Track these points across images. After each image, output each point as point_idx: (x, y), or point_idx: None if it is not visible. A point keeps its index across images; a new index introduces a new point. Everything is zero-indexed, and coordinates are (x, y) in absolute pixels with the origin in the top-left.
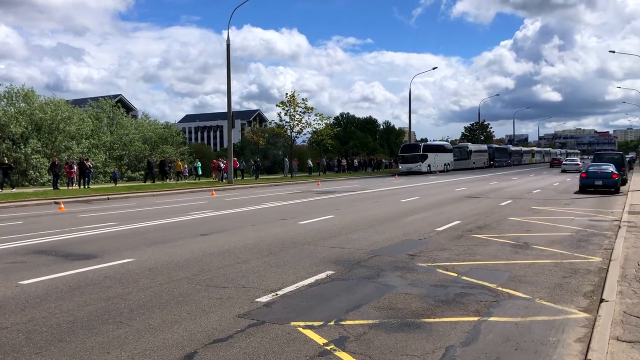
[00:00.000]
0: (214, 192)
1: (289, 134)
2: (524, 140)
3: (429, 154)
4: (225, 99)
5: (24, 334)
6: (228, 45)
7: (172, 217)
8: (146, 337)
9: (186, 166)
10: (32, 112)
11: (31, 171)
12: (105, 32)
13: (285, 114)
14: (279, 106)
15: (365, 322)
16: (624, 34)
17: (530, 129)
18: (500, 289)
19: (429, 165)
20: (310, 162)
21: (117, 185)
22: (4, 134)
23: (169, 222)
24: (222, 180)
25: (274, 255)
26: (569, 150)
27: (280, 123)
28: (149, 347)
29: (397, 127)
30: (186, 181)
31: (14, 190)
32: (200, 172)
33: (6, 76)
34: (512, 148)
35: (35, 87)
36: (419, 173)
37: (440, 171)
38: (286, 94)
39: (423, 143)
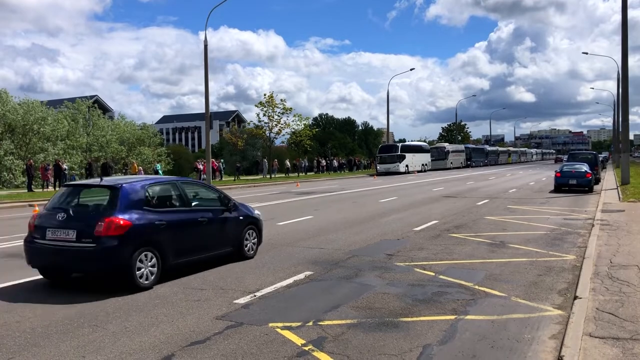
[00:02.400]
0: None
1: (268, 134)
2: (500, 140)
3: (407, 155)
4: (203, 100)
5: None
6: (205, 46)
7: None
8: (122, 340)
9: (141, 168)
10: (4, 114)
11: (4, 173)
12: (80, 32)
13: (264, 115)
14: (258, 107)
15: (343, 322)
16: (593, 36)
17: (506, 130)
18: (476, 287)
19: (406, 166)
20: (287, 162)
21: None
22: None
23: None
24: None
25: (257, 255)
26: (544, 151)
27: (259, 124)
28: (125, 350)
29: (375, 127)
30: None
31: None
32: (162, 175)
33: None
34: (489, 148)
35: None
36: (397, 173)
37: (418, 171)
38: (264, 94)
39: (401, 144)
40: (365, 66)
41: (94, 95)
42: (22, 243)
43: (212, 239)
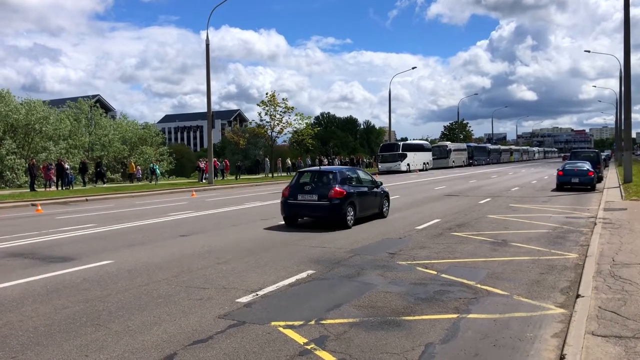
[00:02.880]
0: (194, 193)
1: (270, 133)
2: (502, 139)
3: (408, 153)
4: (205, 99)
5: (0, 338)
6: (207, 45)
7: (151, 218)
8: (125, 339)
9: (139, 167)
10: (6, 114)
11: (7, 173)
12: (82, 32)
13: (266, 114)
14: (260, 106)
15: (345, 321)
16: (594, 35)
17: (507, 128)
18: (479, 286)
19: (408, 165)
20: (289, 161)
21: (74, 188)
22: None
23: (149, 223)
24: (202, 180)
25: (254, 255)
26: (546, 149)
27: (261, 123)
28: (127, 349)
29: (377, 126)
30: (139, 183)
31: None
32: (159, 174)
33: None
34: (491, 147)
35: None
36: (398, 172)
37: (420, 170)
38: (266, 93)
39: (402, 142)
40: (367, 65)
41: (96, 95)
42: (280, 202)
43: (372, 203)
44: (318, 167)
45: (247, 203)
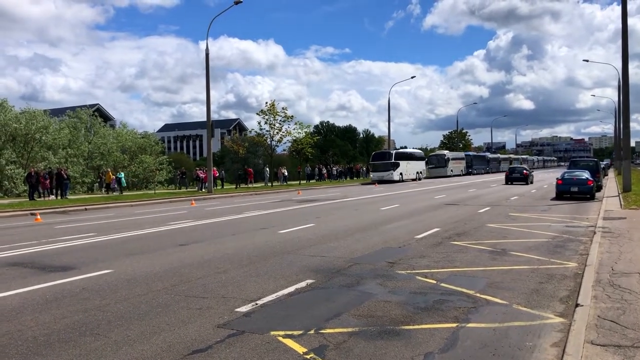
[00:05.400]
0: (193, 202)
1: (269, 142)
2: (501, 148)
3: (401, 162)
4: (204, 108)
5: None
6: (207, 55)
7: (150, 227)
8: (124, 349)
9: (114, 177)
10: (6, 123)
11: (6, 182)
12: (82, 42)
13: (265, 123)
14: (259, 115)
15: (345, 330)
16: (589, 44)
17: (506, 137)
18: (478, 295)
19: (401, 174)
20: (285, 171)
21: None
22: None
23: (147, 232)
24: (201, 189)
25: (254, 264)
26: (545, 158)
27: (261, 132)
28: (126, 359)
29: (375, 135)
30: (117, 194)
31: None
32: (124, 184)
33: None
34: (490, 156)
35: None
36: (391, 181)
37: (413, 179)
38: (266, 102)
39: (394, 151)
40: (366, 74)
41: (96, 104)
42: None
43: None
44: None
45: (246, 212)
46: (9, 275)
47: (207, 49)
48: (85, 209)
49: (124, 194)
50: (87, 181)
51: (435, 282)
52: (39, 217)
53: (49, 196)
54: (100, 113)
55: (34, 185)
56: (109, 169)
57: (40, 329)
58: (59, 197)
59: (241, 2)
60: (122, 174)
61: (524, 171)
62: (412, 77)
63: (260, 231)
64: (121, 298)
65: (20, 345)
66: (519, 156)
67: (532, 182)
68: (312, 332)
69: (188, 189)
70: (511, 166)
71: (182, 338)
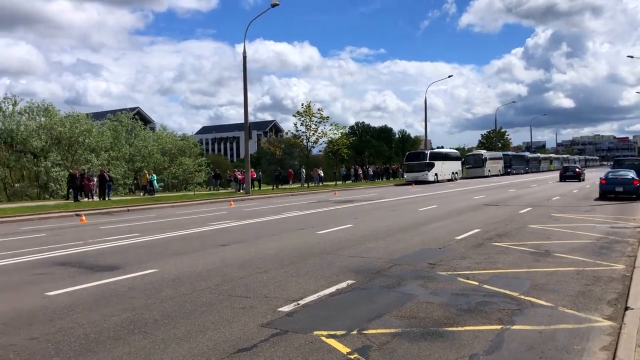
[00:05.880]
0: (232, 203)
1: (305, 143)
2: (541, 147)
3: (436, 162)
4: (241, 111)
5: (53, 344)
6: (244, 57)
7: (192, 227)
8: (172, 347)
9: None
10: (51, 126)
11: (52, 184)
12: (122, 47)
13: (302, 124)
14: (295, 116)
15: (387, 331)
16: (633, 40)
17: (546, 136)
18: (522, 297)
19: (435, 174)
20: (320, 172)
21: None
22: (25, 148)
23: (190, 232)
24: (239, 190)
25: (294, 264)
26: (587, 157)
27: (297, 133)
28: (175, 356)
29: (412, 135)
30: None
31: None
32: (156, 187)
33: (28, 91)
34: (530, 155)
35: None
36: (426, 182)
37: (448, 180)
38: (302, 104)
39: (429, 151)
40: (401, 74)
41: (136, 107)
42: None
43: None
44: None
45: (284, 213)
46: (59, 275)
47: (244, 52)
48: (128, 210)
49: (159, 195)
50: (129, 183)
51: (477, 283)
52: (84, 218)
53: (93, 197)
54: (140, 116)
55: (79, 187)
56: (145, 171)
57: (91, 327)
58: (102, 199)
59: (278, 4)
60: (155, 176)
61: (577, 169)
62: (449, 77)
63: (299, 231)
64: (166, 297)
65: (73, 342)
66: (560, 155)
67: (584, 180)
68: (354, 332)
69: (221, 190)
70: (565, 165)
71: (227, 337)
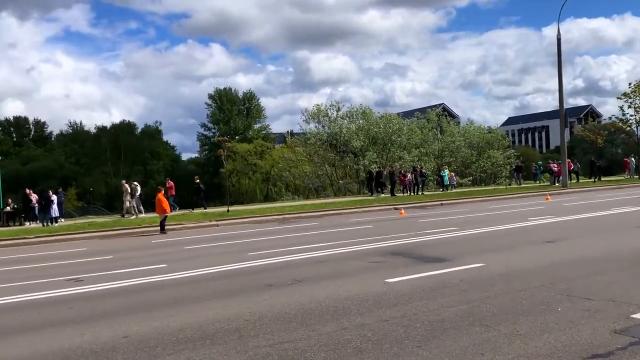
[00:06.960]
0: (548, 197)
1: (635, 129)
2: None
3: None
4: (548, 98)
5: (402, 327)
6: (559, 40)
7: (510, 222)
8: (516, 342)
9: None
10: (368, 128)
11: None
12: (425, 47)
13: (629, 107)
14: (620, 98)
15: None
16: None
17: None
18: None
19: None
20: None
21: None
22: (347, 148)
23: (509, 227)
24: (554, 183)
25: (637, 267)
26: None
27: (623, 117)
28: (521, 353)
29: None
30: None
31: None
32: (446, 182)
33: (345, 97)
34: None
35: (368, 105)
36: None
37: None
38: (629, 83)
39: None
40: None
41: (441, 104)
42: None
43: None
44: None
45: (611, 209)
46: (392, 263)
47: (558, 34)
48: (441, 204)
49: (466, 189)
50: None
51: None
52: (402, 211)
53: (408, 192)
54: (446, 112)
55: (394, 183)
56: (445, 165)
57: (432, 315)
58: (415, 193)
59: None
60: (446, 172)
61: None
62: None
63: (636, 230)
64: (500, 292)
65: (419, 327)
66: None
67: None
68: None
69: (521, 185)
70: None
71: (575, 340)
